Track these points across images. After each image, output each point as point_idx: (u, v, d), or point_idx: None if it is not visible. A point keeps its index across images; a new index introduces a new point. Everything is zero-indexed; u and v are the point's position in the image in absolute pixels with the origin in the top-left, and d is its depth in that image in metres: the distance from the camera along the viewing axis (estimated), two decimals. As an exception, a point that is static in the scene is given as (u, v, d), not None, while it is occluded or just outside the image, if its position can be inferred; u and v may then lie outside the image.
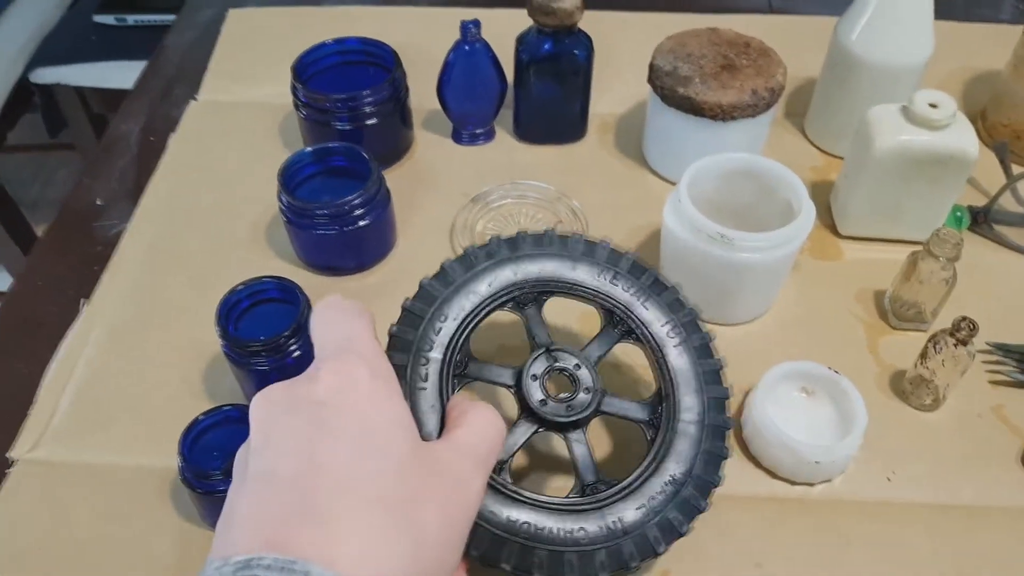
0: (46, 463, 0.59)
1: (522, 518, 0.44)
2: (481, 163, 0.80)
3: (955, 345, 0.57)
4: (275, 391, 0.36)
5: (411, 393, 0.44)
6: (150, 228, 0.74)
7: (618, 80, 0.88)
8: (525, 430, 0.48)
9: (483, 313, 0.49)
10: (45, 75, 1.45)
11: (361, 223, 0.66)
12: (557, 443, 0.59)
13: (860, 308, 0.68)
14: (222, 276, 0.62)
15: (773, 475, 0.58)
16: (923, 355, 0.59)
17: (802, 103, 0.86)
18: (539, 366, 0.49)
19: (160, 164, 0.80)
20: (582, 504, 0.46)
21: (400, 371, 0.45)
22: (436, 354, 0.46)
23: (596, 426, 0.47)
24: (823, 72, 0.80)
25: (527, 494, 0.45)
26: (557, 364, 0.49)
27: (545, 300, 0.52)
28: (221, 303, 0.57)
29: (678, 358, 0.51)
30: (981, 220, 0.74)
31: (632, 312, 0.52)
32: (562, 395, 0.49)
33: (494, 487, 0.45)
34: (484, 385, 0.51)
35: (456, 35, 0.75)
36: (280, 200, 0.66)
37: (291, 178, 0.67)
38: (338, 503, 0.32)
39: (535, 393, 0.48)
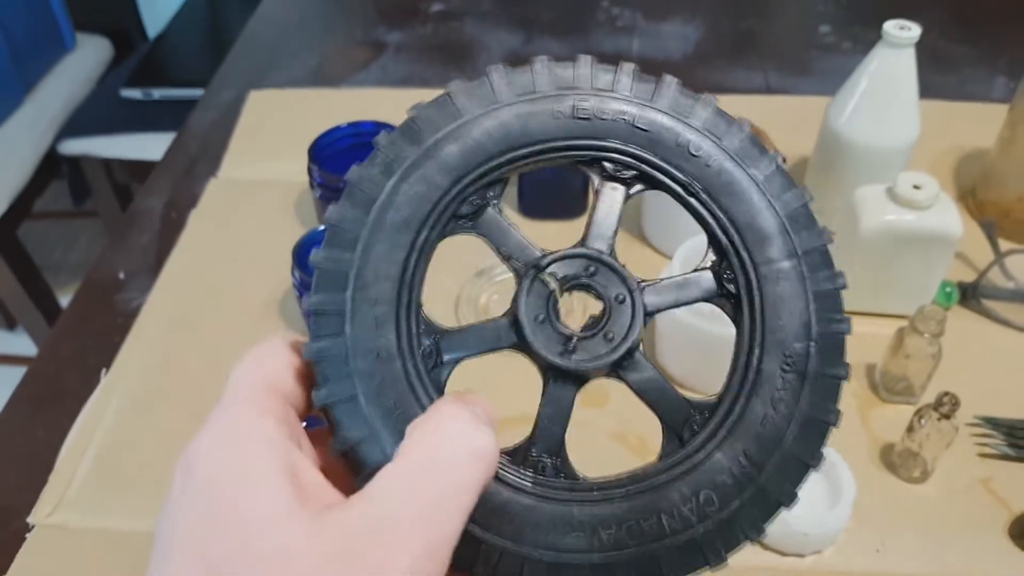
0: (63, 528, 0.61)
1: (605, 522, 0.30)
2: (487, 238, 0.83)
3: (939, 419, 0.59)
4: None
5: (363, 415, 0.29)
6: (168, 302, 0.78)
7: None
8: (562, 397, 0.32)
9: (423, 256, 0.32)
10: (73, 146, 1.51)
11: (370, 297, 0.69)
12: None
13: (852, 381, 0.70)
14: (237, 348, 0.65)
15: (763, 546, 0.59)
16: (909, 429, 0.61)
17: (796, 181, 0.89)
18: (538, 298, 0.32)
19: (180, 239, 0.84)
20: (692, 456, 0.31)
21: (332, 373, 0.30)
22: (387, 341, 0.30)
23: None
24: (815, 152, 0.83)
25: (604, 481, 0.31)
26: (563, 281, 0.32)
27: (500, 191, 0.33)
28: (235, 375, 0.60)
29: (731, 188, 0.33)
30: (970, 295, 0.77)
31: (632, 145, 0.33)
32: (589, 323, 0.32)
33: (541, 496, 0.30)
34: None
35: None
36: (293, 275, 0.69)
37: (304, 254, 0.71)
38: None
39: (552, 343, 0.31)
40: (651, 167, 0.33)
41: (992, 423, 0.67)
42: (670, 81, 0.33)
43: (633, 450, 0.65)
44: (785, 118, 0.90)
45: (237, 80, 1.08)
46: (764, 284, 0.32)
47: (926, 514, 0.62)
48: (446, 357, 0.32)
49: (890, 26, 0.73)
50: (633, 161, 0.33)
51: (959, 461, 0.64)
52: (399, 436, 0.28)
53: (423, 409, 0.29)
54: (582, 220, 0.84)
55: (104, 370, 0.72)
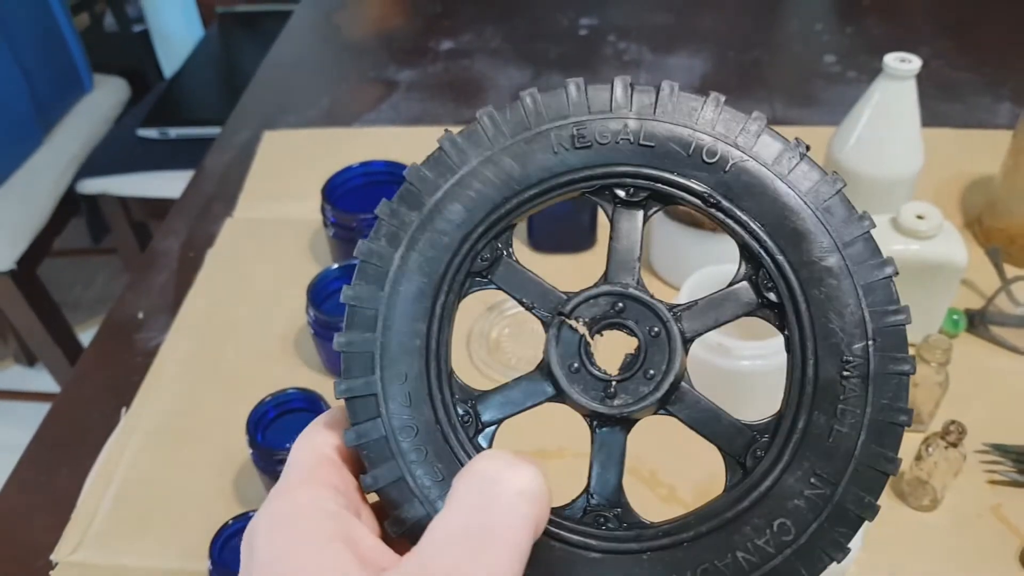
0: (85, 565, 0.62)
1: (679, 567, 0.29)
2: (497, 273, 0.85)
3: (946, 447, 0.60)
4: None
5: (415, 492, 0.29)
6: (186, 341, 0.80)
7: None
8: (612, 442, 0.31)
9: (445, 321, 0.31)
10: (91, 185, 1.54)
11: (383, 334, 0.70)
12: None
13: (861, 410, 0.71)
14: (253, 387, 0.67)
15: (775, 576, 0.60)
16: (918, 457, 0.62)
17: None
18: (568, 346, 0.30)
19: (197, 279, 0.86)
20: (759, 484, 0.29)
21: (374, 444, 0.29)
22: (424, 417, 0.30)
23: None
24: (820, 182, 0.84)
25: (670, 524, 0.29)
26: (591, 324, 0.30)
27: (510, 238, 0.32)
28: (250, 414, 0.61)
29: (753, 190, 0.30)
30: (978, 322, 0.77)
31: (640, 165, 0.31)
32: (627, 362, 0.30)
33: (607, 550, 0.29)
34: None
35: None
36: (308, 314, 0.71)
37: (318, 293, 0.72)
38: None
39: (591, 389, 0.30)
40: (664, 183, 0.30)
41: (1001, 450, 0.67)
42: (668, 86, 0.31)
43: (646, 484, 0.65)
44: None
45: (251, 121, 1.11)
46: (807, 286, 0.29)
47: (936, 542, 0.62)
48: (485, 418, 0.31)
49: (891, 59, 0.75)
50: (644, 182, 0.30)
51: (969, 489, 0.65)
52: None
53: (458, 457, 0.29)
54: (593, 252, 0.85)
55: (124, 409, 0.73)
